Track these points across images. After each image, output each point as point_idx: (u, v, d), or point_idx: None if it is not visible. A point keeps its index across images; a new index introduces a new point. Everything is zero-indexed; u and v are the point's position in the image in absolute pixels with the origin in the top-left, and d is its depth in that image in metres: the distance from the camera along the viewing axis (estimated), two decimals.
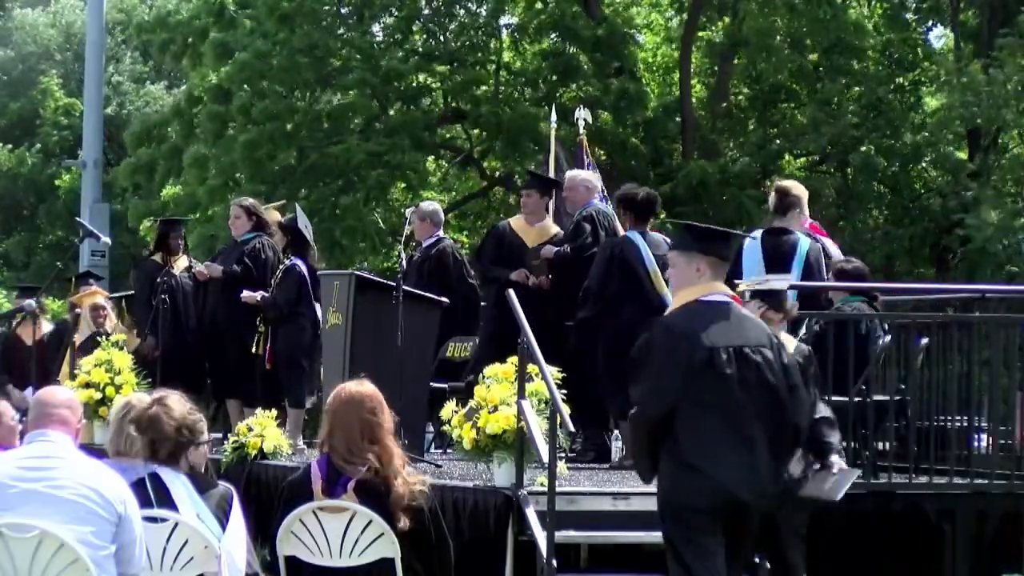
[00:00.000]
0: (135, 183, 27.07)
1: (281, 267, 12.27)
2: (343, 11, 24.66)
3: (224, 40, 24.05)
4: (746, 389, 6.52)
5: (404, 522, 6.72)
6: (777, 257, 10.21)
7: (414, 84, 25.03)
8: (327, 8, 24.42)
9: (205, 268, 12.87)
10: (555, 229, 12.06)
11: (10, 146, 36.09)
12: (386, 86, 24.12)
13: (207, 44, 24.33)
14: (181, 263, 13.26)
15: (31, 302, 13.19)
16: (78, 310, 15.49)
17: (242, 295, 12.27)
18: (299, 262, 12.19)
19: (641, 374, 6.65)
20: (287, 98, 23.68)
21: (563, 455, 8.88)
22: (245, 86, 23.48)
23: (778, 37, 24.74)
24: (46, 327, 16.12)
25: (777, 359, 6.62)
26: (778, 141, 25.42)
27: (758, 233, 10.48)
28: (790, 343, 8.26)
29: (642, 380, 6.63)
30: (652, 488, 7.37)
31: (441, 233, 12.91)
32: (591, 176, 12.30)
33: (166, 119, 26.34)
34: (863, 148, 24.08)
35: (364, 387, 6.93)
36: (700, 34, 26.12)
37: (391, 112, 24.56)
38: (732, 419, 6.50)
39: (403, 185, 25.18)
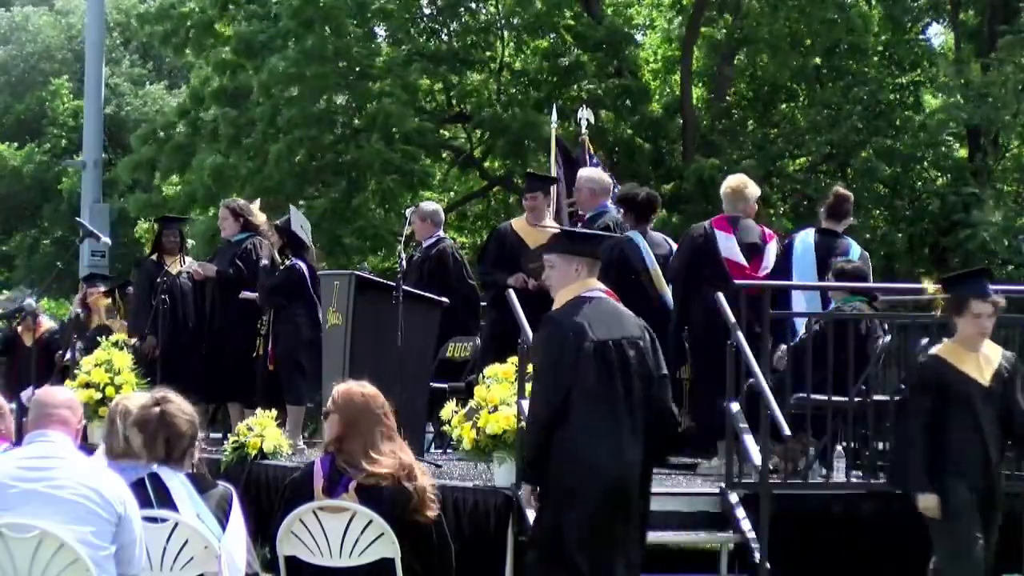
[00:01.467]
0: (135, 179, 26.99)
1: (282, 267, 12.26)
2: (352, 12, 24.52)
3: (249, 33, 23.87)
4: (625, 379, 7.14)
5: (432, 513, 6.76)
6: (830, 260, 10.45)
7: (424, 90, 24.97)
8: (355, 17, 24.27)
9: (200, 267, 12.85)
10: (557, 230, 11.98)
11: (16, 144, 36.02)
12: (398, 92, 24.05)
13: (232, 35, 24.20)
14: (178, 263, 13.20)
15: (31, 302, 13.18)
16: (78, 310, 15.53)
17: (242, 295, 12.28)
18: (299, 262, 12.19)
19: (536, 370, 7.34)
20: (304, 105, 23.57)
21: None
22: (280, 89, 23.30)
23: (777, 36, 24.65)
24: (47, 324, 16.16)
25: (651, 349, 7.27)
26: (779, 142, 25.36)
27: (809, 233, 10.63)
28: (996, 351, 8.35)
29: (537, 374, 7.28)
30: (653, 488, 7.45)
31: (441, 233, 12.90)
32: (596, 176, 12.22)
33: (172, 123, 26.24)
34: (864, 152, 24.02)
35: (369, 388, 6.92)
36: (703, 29, 25.99)
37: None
38: (613, 407, 7.10)
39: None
